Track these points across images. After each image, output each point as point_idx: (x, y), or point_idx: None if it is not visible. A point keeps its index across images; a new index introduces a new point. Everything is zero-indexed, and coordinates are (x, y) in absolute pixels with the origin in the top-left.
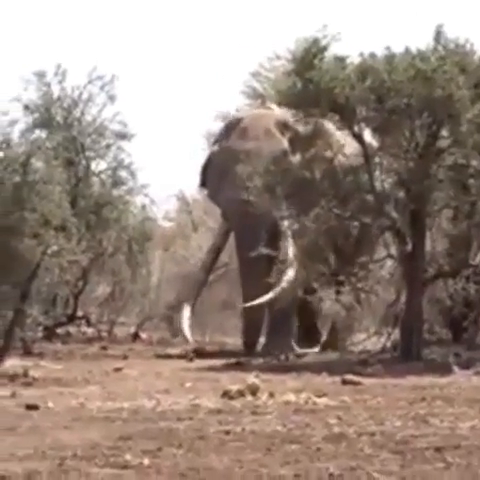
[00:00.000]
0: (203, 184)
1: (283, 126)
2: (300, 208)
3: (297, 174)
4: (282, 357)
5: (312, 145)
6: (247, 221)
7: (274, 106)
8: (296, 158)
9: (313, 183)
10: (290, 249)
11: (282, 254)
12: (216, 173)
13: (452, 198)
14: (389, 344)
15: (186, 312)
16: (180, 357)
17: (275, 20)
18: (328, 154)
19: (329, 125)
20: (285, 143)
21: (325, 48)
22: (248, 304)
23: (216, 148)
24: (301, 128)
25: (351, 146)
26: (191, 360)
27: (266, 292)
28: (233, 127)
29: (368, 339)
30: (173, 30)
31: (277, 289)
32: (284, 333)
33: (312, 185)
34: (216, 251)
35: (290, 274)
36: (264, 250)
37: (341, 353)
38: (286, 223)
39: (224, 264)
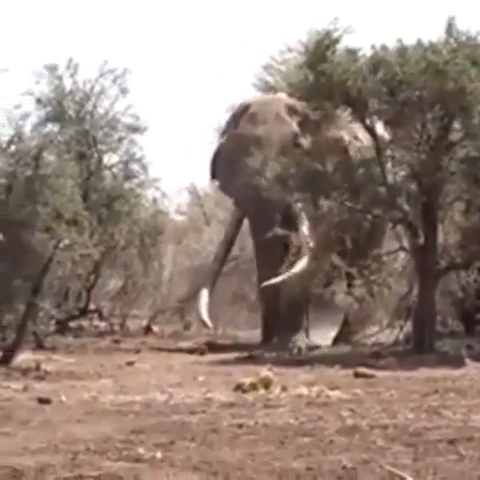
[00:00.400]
0: (213, 176)
1: (292, 110)
2: (312, 200)
3: (309, 166)
4: (294, 350)
5: (322, 129)
6: (261, 205)
7: (282, 93)
8: (307, 141)
9: (325, 175)
10: (306, 231)
11: (298, 236)
12: (226, 162)
13: (464, 190)
14: (402, 337)
15: (204, 299)
16: (192, 351)
17: (287, 13)
18: (339, 137)
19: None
20: (295, 127)
21: (337, 41)
22: (265, 284)
23: (224, 138)
24: (311, 112)
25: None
26: (203, 354)
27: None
28: (241, 114)
29: (381, 332)
30: (185, 23)
31: (293, 270)
32: (296, 326)
33: (324, 177)
34: (229, 241)
35: (306, 257)
36: (280, 231)
37: (354, 346)
38: (299, 206)
39: (235, 257)
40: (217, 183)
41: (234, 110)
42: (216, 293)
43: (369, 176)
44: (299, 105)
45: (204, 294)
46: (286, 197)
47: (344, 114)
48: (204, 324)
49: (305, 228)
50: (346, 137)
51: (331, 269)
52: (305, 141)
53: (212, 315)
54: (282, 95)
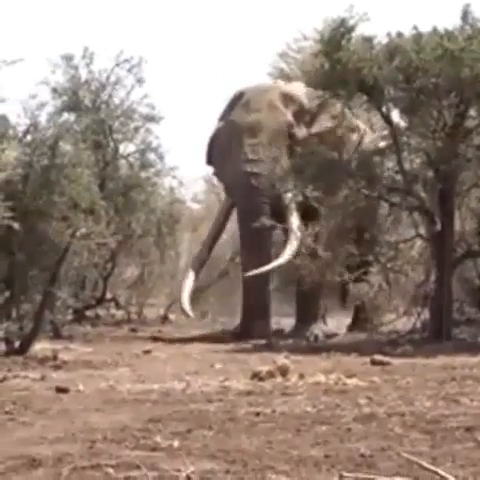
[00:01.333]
0: (209, 161)
1: (288, 99)
2: (327, 189)
3: (325, 155)
4: (311, 338)
5: (317, 118)
6: (250, 194)
7: (280, 81)
8: (301, 131)
9: (341, 164)
10: (294, 222)
11: (287, 227)
12: (220, 148)
13: None
14: (419, 324)
15: (188, 286)
16: (209, 338)
17: (302, 1)
18: (333, 128)
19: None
20: (289, 116)
21: (352, 28)
22: (248, 274)
23: (221, 124)
24: (306, 101)
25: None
26: (222, 341)
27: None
28: (236, 101)
29: (397, 319)
30: (201, 11)
31: (279, 260)
32: (313, 315)
33: (340, 166)
34: (219, 228)
35: (293, 246)
36: (267, 222)
37: (370, 334)
38: (289, 196)
39: None
40: (212, 169)
41: (231, 96)
42: (233, 282)
43: (385, 164)
44: (296, 93)
45: (188, 282)
46: (276, 186)
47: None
48: (185, 313)
49: (294, 219)
50: (342, 130)
51: (348, 257)
52: (299, 131)
53: (229, 304)
54: (279, 83)
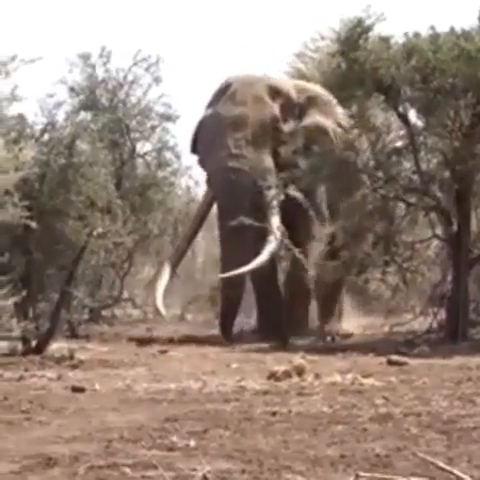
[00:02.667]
0: (194, 150)
1: (275, 92)
2: (343, 189)
3: (341, 155)
4: (328, 338)
5: (305, 113)
6: (231, 189)
7: (268, 73)
8: (288, 126)
9: (357, 164)
10: (274, 220)
11: (267, 225)
12: (204, 139)
13: None
14: (435, 324)
15: (162, 281)
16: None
17: (319, 0)
18: (321, 123)
19: (325, 95)
20: (276, 109)
21: (369, 28)
22: (225, 275)
23: (207, 113)
24: (295, 95)
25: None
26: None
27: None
28: (222, 92)
29: (414, 319)
30: (218, 12)
31: (257, 260)
32: (331, 315)
33: (356, 166)
34: (199, 220)
35: (272, 246)
36: (246, 220)
37: (387, 334)
38: (272, 193)
39: None
40: (197, 158)
41: (219, 85)
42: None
43: (402, 164)
44: (283, 86)
45: (163, 275)
46: (258, 182)
47: (329, 98)
48: (157, 312)
49: (275, 218)
50: (328, 124)
51: (364, 257)
52: (285, 127)
53: (246, 303)
54: (267, 74)
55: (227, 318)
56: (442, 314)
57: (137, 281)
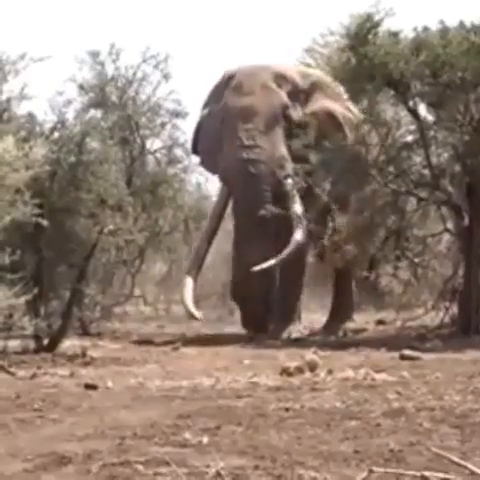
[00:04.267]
0: (195, 151)
1: (281, 79)
2: (354, 184)
3: (353, 149)
4: (340, 333)
5: (311, 99)
6: (250, 181)
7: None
8: (297, 113)
9: (368, 159)
10: (298, 208)
11: (290, 215)
12: (209, 136)
13: None
14: (447, 319)
15: (188, 285)
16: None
17: None
18: (332, 110)
19: (328, 78)
20: (284, 97)
21: (379, 23)
22: (256, 268)
23: (206, 111)
24: (300, 81)
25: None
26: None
27: (271, 258)
28: (225, 85)
29: (426, 314)
30: (227, 8)
31: (285, 252)
32: (347, 310)
33: (367, 161)
34: (217, 219)
35: (300, 235)
36: (273, 209)
37: (399, 329)
38: (290, 182)
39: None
40: (199, 159)
41: (216, 82)
42: None
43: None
44: (289, 73)
45: (189, 281)
46: (277, 173)
47: (334, 84)
48: (192, 316)
49: (297, 207)
50: (337, 108)
51: (375, 252)
52: (295, 112)
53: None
54: (270, 63)
55: (255, 315)
56: (454, 308)
57: (148, 278)
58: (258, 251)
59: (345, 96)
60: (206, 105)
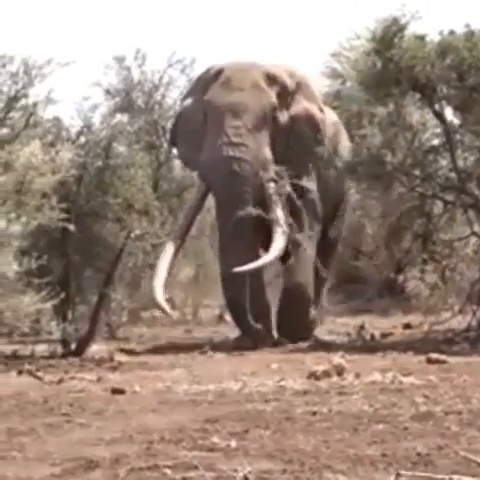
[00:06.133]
0: (173, 143)
1: (271, 79)
2: (379, 188)
3: (378, 153)
4: (367, 337)
5: (294, 99)
6: (233, 180)
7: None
8: (284, 116)
9: (394, 162)
10: (280, 213)
11: (271, 219)
12: (191, 130)
13: None
14: (474, 322)
15: (160, 279)
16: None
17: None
18: (310, 110)
19: (310, 80)
20: (273, 98)
21: (404, 27)
22: (237, 269)
23: (188, 103)
24: (289, 82)
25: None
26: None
27: (252, 260)
28: (212, 79)
29: (453, 318)
30: (252, 11)
31: (266, 257)
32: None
33: (393, 164)
34: (192, 217)
35: (280, 243)
36: (254, 211)
37: (426, 332)
38: (272, 186)
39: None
40: (177, 151)
41: (201, 74)
42: None
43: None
44: (279, 73)
45: (159, 277)
46: (260, 175)
47: (312, 83)
48: (161, 309)
49: (280, 211)
50: (315, 110)
51: (403, 256)
52: (282, 115)
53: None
54: (260, 61)
55: (242, 320)
56: None
57: (176, 282)
58: (238, 252)
59: (319, 95)
60: (187, 96)
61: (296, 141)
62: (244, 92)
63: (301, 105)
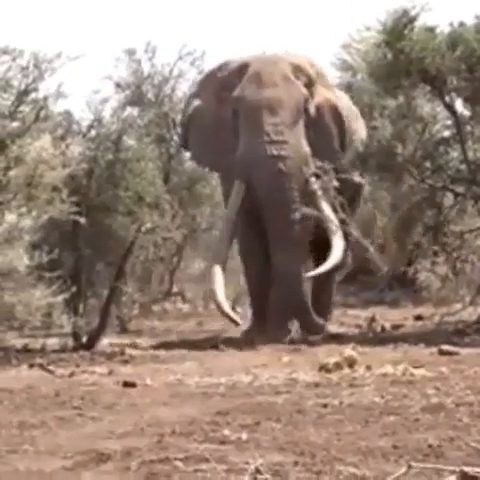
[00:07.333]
0: (185, 146)
1: (298, 71)
2: (390, 180)
3: (389, 145)
4: (378, 329)
5: (316, 90)
6: (281, 180)
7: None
8: (312, 106)
9: (405, 154)
10: (328, 209)
11: (322, 216)
12: (205, 128)
13: None
14: None
15: (220, 293)
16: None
17: None
18: (329, 97)
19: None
20: (303, 89)
21: (415, 18)
22: (310, 274)
23: (200, 101)
24: (311, 71)
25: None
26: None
27: (307, 259)
28: (233, 75)
29: (464, 309)
30: (262, 5)
31: (332, 258)
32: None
33: (403, 156)
34: (235, 218)
35: (340, 244)
36: (310, 211)
37: (437, 324)
38: (314, 181)
39: None
40: (190, 153)
41: (211, 71)
42: None
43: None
44: (304, 64)
45: (218, 285)
46: (304, 171)
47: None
48: (231, 320)
49: (327, 206)
50: (333, 97)
51: (414, 248)
52: (311, 107)
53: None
54: (285, 53)
55: (305, 315)
56: None
57: (187, 275)
58: (295, 255)
59: (334, 85)
60: (196, 95)
61: (322, 132)
62: (278, 87)
63: (323, 95)
